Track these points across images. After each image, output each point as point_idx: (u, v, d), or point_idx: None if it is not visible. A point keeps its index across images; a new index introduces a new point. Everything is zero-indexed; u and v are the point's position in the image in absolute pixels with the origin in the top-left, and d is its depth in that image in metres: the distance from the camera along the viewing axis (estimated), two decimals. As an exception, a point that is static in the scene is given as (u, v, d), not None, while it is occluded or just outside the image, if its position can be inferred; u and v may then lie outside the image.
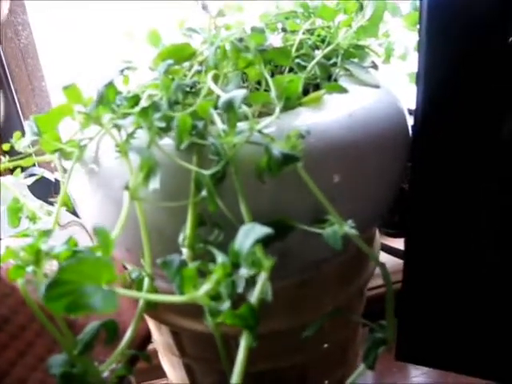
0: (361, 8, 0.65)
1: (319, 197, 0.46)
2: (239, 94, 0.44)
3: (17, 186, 0.79)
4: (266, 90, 0.55)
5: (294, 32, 0.61)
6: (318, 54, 0.60)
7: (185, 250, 0.44)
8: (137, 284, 0.46)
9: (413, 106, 0.72)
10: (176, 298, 0.36)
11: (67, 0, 0.87)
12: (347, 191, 0.51)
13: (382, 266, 0.49)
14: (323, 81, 0.57)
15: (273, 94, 0.49)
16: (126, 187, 0.43)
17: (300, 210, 0.48)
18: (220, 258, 0.37)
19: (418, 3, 0.72)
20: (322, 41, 0.61)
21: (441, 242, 0.61)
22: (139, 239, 0.46)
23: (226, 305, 0.36)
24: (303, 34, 0.60)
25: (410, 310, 0.59)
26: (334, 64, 0.60)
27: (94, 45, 0.91)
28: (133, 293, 0.40)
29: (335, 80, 0.59)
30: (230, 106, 0.43)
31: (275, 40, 0.59)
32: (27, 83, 0.86)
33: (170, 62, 0.48)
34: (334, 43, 0.59)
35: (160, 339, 0.66)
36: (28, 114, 0.87)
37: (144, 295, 0.44)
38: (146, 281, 0.46)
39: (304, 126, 0.47)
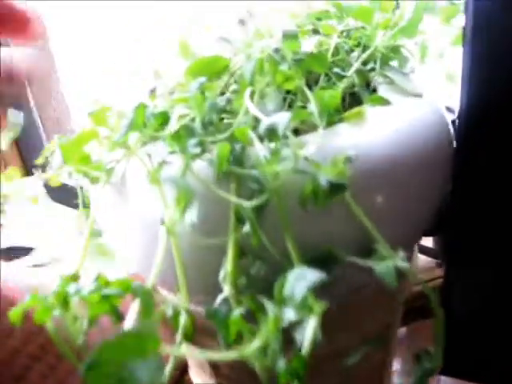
0: (397, 6, 0.60)
1: (368, 225, 0.43)
2: (283, 118, 0.40)
3: (33, 190, 0.76)
4: (302, 102, 0.51)
5: (327, 35, 0.57)
6: (356, 60, 0.56)
7: (226, 288, 0.41)
8: (173, 320, 0.43)
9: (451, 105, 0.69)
10: (224, 355, 0.33)
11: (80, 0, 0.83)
12: (392, 212, 0.48)
13: (431, 292, 0.46)
14: (361, 89, 0.54)
15: (314, 111, 0.45)
16: (162, 222, 0.40)
17: (345, 238, 0.45)
18: (270, 309, 0.34)
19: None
20: (358, 43, 0.57)
21: (484, 255, 0.58)
22: (174, 272, 0.43)
23: (280, 363, 0.33)
24: (338, 37, 0.56)
25: (455, 327, 0.57)
26: (372, 69, 0.56)
27: (107, 45, 0.87)
28: (184, 349, 0.37)
29: (374, 89, 0.55)
30: (273, 133, 0.40)
31: (308, 44, 0.55)
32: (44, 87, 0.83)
33: (203, 79, 0.44)
34: (372, 47, 0.55)
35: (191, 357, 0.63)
36: (45, 117, 0.84)
37: (191, 352, 0.40)
38: (184, 317, 0.43)
39: (350, 148, 0.44)
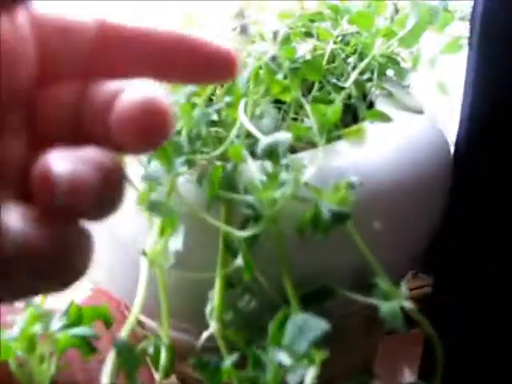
0: (396, 12, 0.57)
1: (368, 256, 0.39)
2: (283, 139, 0.36)
3: None
4: (296, 114, 0.47)
5: (321, 38, 0.53)
6: (352, 68, 0.52)
7: (213, 324, 0.37)
8: (154, 356, 0.39)
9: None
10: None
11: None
12: (393, 237, 0.44)
13: (432, 336, 0.43)
14: (358, 101, 0.50)
15: (314, 127, 0.41)
16: (144, 252, 0.35)
17: (343, 268, 0.41)
18: (271, 365, 0.30)
19: (447, 3, 0.64)
20: (354, 50, 0.53)
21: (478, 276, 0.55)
22: (158, 303, 0.39)
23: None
24: (334, 42, 0.52)
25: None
26: (368, 79, 0.52)
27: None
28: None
29: (371, 101, 0.51)
30: (272, 154, 0.36)
31: (302, 49, 0.50)
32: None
33: (192, 87, 0.40)
34: (370, 55, 0.51)
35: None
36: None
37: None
38: (163, 355, 0.38)
39: (352, 171, 0.40)
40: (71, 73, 0.21)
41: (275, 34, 0.43)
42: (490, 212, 0.51)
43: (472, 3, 0.68)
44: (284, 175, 0.37)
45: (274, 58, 0.42)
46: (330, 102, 0.50)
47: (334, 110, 0.42)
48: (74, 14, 0.21)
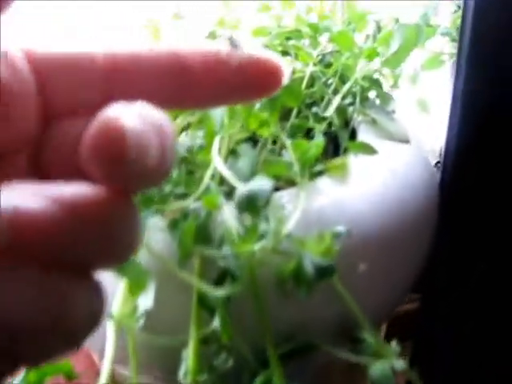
0: (378, 30, 0.54)
1: (354, 309, 0.36)
2: (264, 189, 0.32)
3: None
4: (274, 144, 0.44)
5: (300, 59, 0.49)
6: (333, 92, 0.49)
7: (186, 388, 0.34)
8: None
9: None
10: None
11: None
12: (377, 281, 0.41)
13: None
14: (340, 130, 0.47)
15: (295, 166, 0.38)
16: (110, 315, 0.32)
17: (326, 322, 0.38)
18: None
19: (429, 15, 0.62)
20: (335, 72, 0.50)
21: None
22: (128, 358, 0.35)
23: None
24: (313, 64, 0.48)
25: None
26: (350, 103, 0.49)
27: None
28: None
29: (353, 128, 0.48)
30: (251, 206, 0.32)
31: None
32: None
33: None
34: (352, 79, 0.48)
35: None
36: None
37: None
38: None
39: (336, 216, 0.37)
40: (80, 108, 0.19)
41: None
42: (477, 243, 0.49)
43: (457, 17, 0.66)
44: (263, 226, 0.33)
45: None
46: (310, 130, 0.47)
47: (317, 146, 0.39)
48: (80, 46, 0.19)
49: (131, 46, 0.20)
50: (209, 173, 0.35)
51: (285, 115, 0.48)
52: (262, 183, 0.33)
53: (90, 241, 0.15)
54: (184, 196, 0.38)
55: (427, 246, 0.46)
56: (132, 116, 0.14)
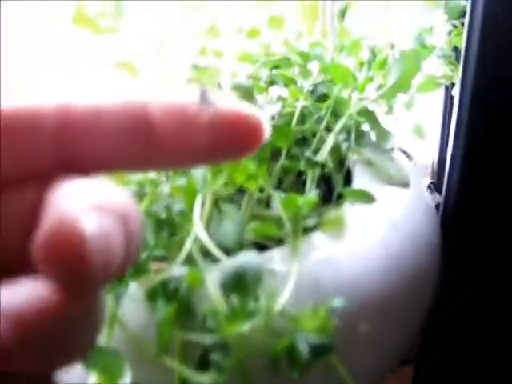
0: (373, 57, 0.50)
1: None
2: (253, 267, 0.29)
3: None
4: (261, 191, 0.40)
5: (290, 95, 0.46)
6: (326, 129, 0.45)
7: None
8: None
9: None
10: None
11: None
12: (375, 349, 0.38)
13: None
14: (334, 172, 0.43)
15: (285, 225, 0.34)
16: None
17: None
18: None
19: (423, 38, 0.58)
20: (327, 107, 0.46)
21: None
22: None
23: None
24: (304, 98, 0.45)
25: None
26: (344, 139, 0.45)
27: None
28: None
29: (348, 169, 0.44)
30: (239, 286, 0.28)
31: (270, 110, 0.43)
32: None
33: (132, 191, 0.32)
34: (346, 114, 0.44)
35: None
36: None
37: None
38: None
39: (331, 280, 0.33)
40: (28, 174, 0.16)
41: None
42: (478, 282, 0.46)
43: (454, 37, 0.62)
44: (253, 302, 0.29)
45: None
46: (301, 173, 0.44)
47: (309, 202, 0.35)
48: (26, 98, 0.16)
49: (89, 96, 0.17)
50: (190, 240, 0.31)
51: (273, 154, 0.44)
52: (250, 259, 0.29)
53: (42, 349, 0.13)
54: (163, 259, 0.34)
55: (429, 298, 0.42)
56: (92, 212, 0.13)
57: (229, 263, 0.29)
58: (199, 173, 0.33)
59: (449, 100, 0.75)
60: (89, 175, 0.16)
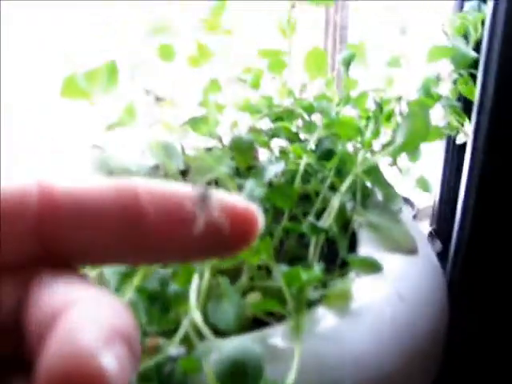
0: (380, 110, 0.48)
1: None
2: (253, 353, 0.26)
3: None
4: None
5: (295, 153, 0.43)
6: (330, 188, 0.43)
7: None
8: None
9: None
10: None
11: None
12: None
13: None
14: (339, 236, 0.41)
15: (288, 302, 0.32)
16: None
17: None
18: None
19: (429, 87, 0.56)
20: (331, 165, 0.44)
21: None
22: None
23: None
24: (308, 157, 0.43)
25: None
26: (350, 198, 0.43)
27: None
28: None
29: (353, 231, 0.42)
30: (238, 377, 0.26)
31: (273, 169, 0.41)
32: None
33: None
34: (352, 173, 0.42)
35: None
36: None
37: None
38: None
39: (336, 362, 0.31)
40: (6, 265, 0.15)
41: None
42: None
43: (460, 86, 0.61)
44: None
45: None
46: (303, 235, 0.41)
47: (313, 278, 0.33)
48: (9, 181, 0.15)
49: (77, 179, 0.16)
50: (186, 321, 0.29)
51: (274, 212, 0.42)
52: (250, 345, 0.27)
53: None
54: (157, 334, 0.31)
55: (435, 368, 0.40)
56: (107, 345, 0.12)
57: (227, 349, 0.26)
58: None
59: (451, 147, 0.73)
60: (74, 268, 0.16)
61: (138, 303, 0.30)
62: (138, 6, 0.65)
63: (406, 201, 0.60)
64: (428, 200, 0.93)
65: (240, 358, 0.26)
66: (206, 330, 0.28)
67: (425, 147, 0.58)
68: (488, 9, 0.41)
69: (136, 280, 0.31)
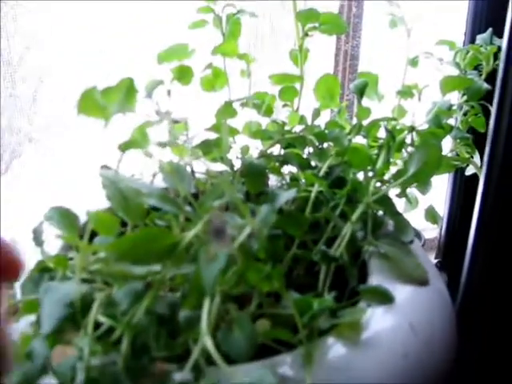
0: (392, 139, 0.48)
1: None
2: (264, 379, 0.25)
3: None
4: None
5: (305, 180, 0.43)
6: (340, 215, 0.42)
7: None
8: None
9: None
10: None
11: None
12: None
13: None
14: (349, 266, 0.40)
15: (300, 331, 0.31)
16: None
17: None
18: None
19: (440, 119, 0.56)
20: (342, 192, 0.44)
21: None
22: None
23: None
24: (319, 184, 0.42)
25: None
26: (361, 228, 0.43)
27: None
28: None
29: (363, 261, 0.42)
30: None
31: (285, 196, 0.40)
32: None
33: (136, 288, 0.29)
34: (364, 203, 0.42)
35: None
36: None
37: None
38: None
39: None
40: None
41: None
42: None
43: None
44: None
45: (251, 235, 0.32)
46: (313, 263, 0.41)
47: (324, 307, 0.32)
48: None
49: None
50: (197, 349, 0.28)
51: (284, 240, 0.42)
52: (264, 374, 0.26)
53: None
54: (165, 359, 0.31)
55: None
56: None
57: (240, 376, 0.26)
58: (206, 275, 0.30)
59: (458, 179, 0.73)
60: None
61: (148, 327, 0.29)
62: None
63: (415, 232, 0.60)
64: (432, 232, 0.93)
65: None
66: (217, 357, 0.27)
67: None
68: (504, 42, 0.41)
69: (146, 302, 0.30)
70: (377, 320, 0.36)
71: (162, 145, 0.42)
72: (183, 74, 0.40)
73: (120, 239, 0.31)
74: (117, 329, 0.30)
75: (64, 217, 0.38)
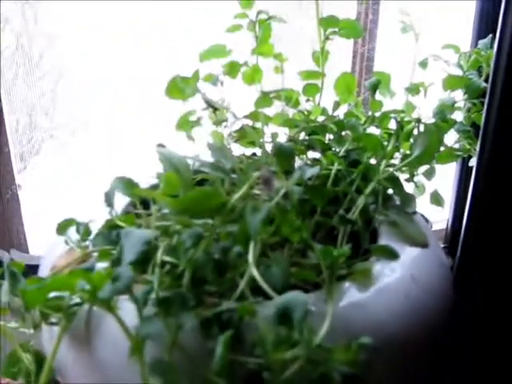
0: (401, 129, 0.56)
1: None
2: (299, 304, 0.34)
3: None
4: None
5: (327, 158, 0.52)
6: (356, 191, 0.51)
7: None
8: None
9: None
10: None
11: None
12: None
13: None
14: (362, 230, 0.48)
15: (323, 271, 0.40)
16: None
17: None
18: None
19: (445, 113, 0.64)
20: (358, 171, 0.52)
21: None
22: None
23: None
24: (339, 163, 0.51)
25: None
26: (372, 202, 0.51)
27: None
28: None
29: (374, 228, 0.50)
30: (286, 320, 0.34)
31: (310, 172, 0.49)
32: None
33: (198, 231, 0.38)
34: (375, 179, 0.50)
35: None
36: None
37: None
38: None
39: (364, 334, 0.38)
40: None
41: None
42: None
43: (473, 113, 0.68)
44: (296, 336, 0.35)
45: (286, 196, 0.40)
46: (333, 228, 0.49)
47: (343, 254, 0.40)
48: None
49: None
50: (244, 279, 0.37)
51: (308, 210, 0.50)
52: (297, 298, 0.34)
53: None
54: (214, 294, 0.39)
55: (440, 336, 0.47)
56: None
57: (279, 299, 0.34)
58: (253, 222, 0.39)
59: (464, 170, 0.81)
60: None
61: (205, 263, 0.38)
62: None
63: (422, 217, 0.67)
64: (440, 224, 1.00)
65: (289, 305, 0.34)
66: (262, 283, 0.35)
67: (440, 170, 0.65)
68: (495, 45, 0.48)
69: (202, 246, 0.38)
70: (384, 271, 0.44)
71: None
72: (232, 69, 0.49)
73: (182, 197, 0.40)
74: (179, 266, 0.38)
75: (128, 185, 0.47)
